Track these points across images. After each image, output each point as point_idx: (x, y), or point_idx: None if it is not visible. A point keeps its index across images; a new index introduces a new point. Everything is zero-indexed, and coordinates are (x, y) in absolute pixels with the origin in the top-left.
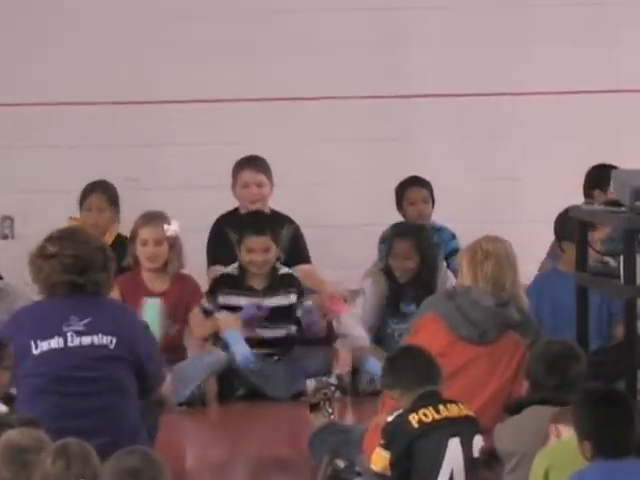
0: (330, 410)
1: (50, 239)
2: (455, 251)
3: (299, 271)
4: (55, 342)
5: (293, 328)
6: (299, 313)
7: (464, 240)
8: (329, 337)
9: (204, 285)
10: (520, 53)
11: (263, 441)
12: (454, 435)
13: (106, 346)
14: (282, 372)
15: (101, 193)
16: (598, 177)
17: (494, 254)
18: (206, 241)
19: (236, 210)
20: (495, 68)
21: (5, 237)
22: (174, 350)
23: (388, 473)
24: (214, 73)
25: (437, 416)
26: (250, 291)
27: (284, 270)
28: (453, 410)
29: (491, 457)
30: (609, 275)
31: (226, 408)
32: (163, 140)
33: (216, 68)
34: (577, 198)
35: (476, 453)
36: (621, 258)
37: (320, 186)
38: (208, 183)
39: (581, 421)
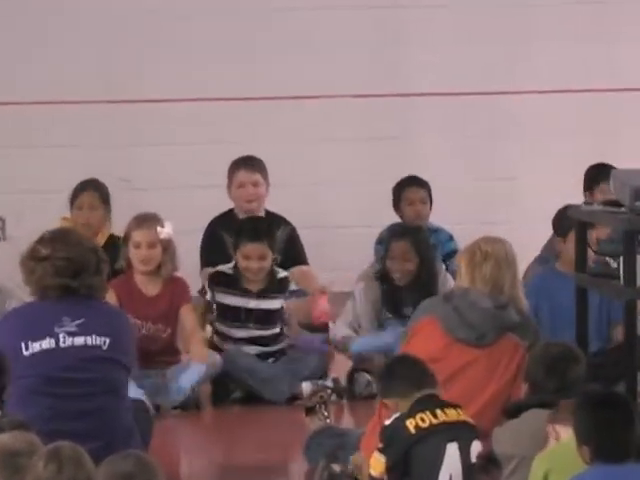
0: (326, 414)
1: (42, 241)
2: (453, 252)
3: (294, 271)
4: (46, 343)
5: (278, 330)
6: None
7: (463, 241)
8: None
9: (196, 287)
10: (520, 52)
11: (258, 445)
12: (452, 440)
13: (99, 347)
14: (277, 375)
15: (93, 191)
16: (594, 176)
17: (493, 255)
18: (200, 243)
19: (231, 211)
20: (495, 67)
21: None
22: (168, 353)
23: (385, 478)
24: (211, 72)
25: (435, 421)
26: (245, 292)
27: (282, 274)
28: (451, 415)
29: (489, 461)
30: (609, 276)
31: (221, 411)
32: (158, 140)
33: (214, 67)
34: (577, 198)
35: (474, 458)
36: (621, 259)
37: (319, 186)
38: (204, 183)
39: (580, 424)
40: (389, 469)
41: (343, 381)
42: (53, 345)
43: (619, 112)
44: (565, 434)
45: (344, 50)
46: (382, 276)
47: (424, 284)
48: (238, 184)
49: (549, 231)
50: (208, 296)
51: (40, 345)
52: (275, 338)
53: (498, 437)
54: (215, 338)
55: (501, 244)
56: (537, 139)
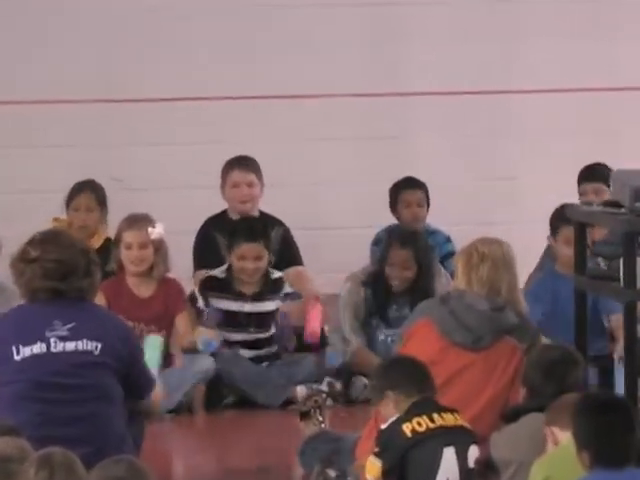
0: (321, 418)
1: (32, 242)
2: (450, 254)
3: (290, 272)
4: (37, 347)
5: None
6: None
7: (462, 242)
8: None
9: (189, 289)
10: (520, 50)
11: (252, 450)
12: (449, 444)
13: (91, 352)
14: (272, 379)
15: (90, 193)
16: (583, 178)
17: (490, 257)
18: (193, 244)
19: (224, 212)
20: (494, 66)
21: None
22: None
23: None
24: (209, 71)
25: (431, 425)
26: (239, 295)
27: (277, 275)
28: (448, 419)
29: (487, 467)
30: (608, 278)
31: (214, 416)
32: (155, 139)
33: (212, 66)
34: (577, 198)
35: (471, 463)
36: (620, 261)
37: (316, 186)
38: (201, 183)
39: (580, 429)
40: (385, 473)
41: (339, 385)
42: (44, 350)
43: (620, 111)
44: (563, 436)
45: (342, 49)
46: (376, 278)
47: (420, 290)
48: (232, 184)
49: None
50: (199, 303)
51: (31, 350)
52: (270, 340)
53: (496, 442)
54: None
55: (498, 245)
56: (537, 138)
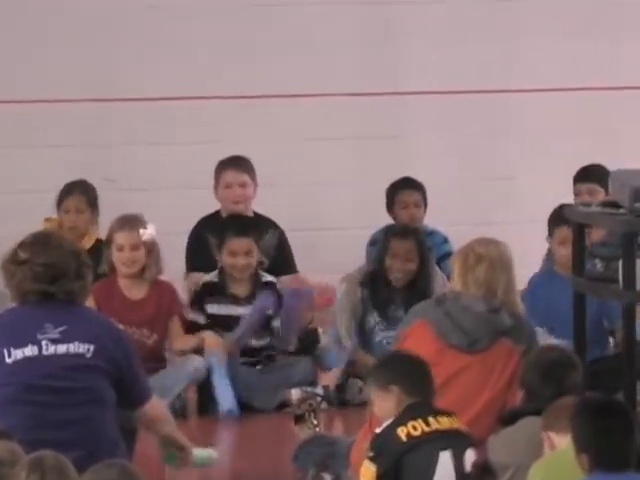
0: (315, 422)
1: (22, 245)
2: (448, 255)
3: (284, 280)
4: (29, 350)
5: (268, 339)
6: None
7: (459, 243)
8: (314, 345)
9: (182, 291)
10: (519, 50)
11: (245, 454)
12: (445, 448)
13: (82, 355)
14: (265, 382)
15: (80, 194)
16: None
17: (487, 258)
18: (186, 245)
19: (217, 213)
20: (493, 65)
21: None
22: (153, 360)
23: None
24: (205, 70)
25: (427, 429)
26: (233, 299)
27: (267, 278)
28: (444, 422)
29: (484, 470)
30: (607, 279)
31: (207, 420)
32: (150, 139)
33: (209, 65)
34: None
35: (468, 467)
36: (619, 262)
37: (313, 187)
38: (195, 183)
39: (579, 432)
40: (380, 478)
41: (333, 388)
42: (36, 352)
43: (619, 111)
44: (560, 441)
45: (340, 49)
46: (374, 277)
47: (420, 287)
48: (225, 184)
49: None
50: (191, 316)
51: (22, 352)
52: (265, 348)
53: (493, 445)
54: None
55: (495, 246)
56: (535, 138)
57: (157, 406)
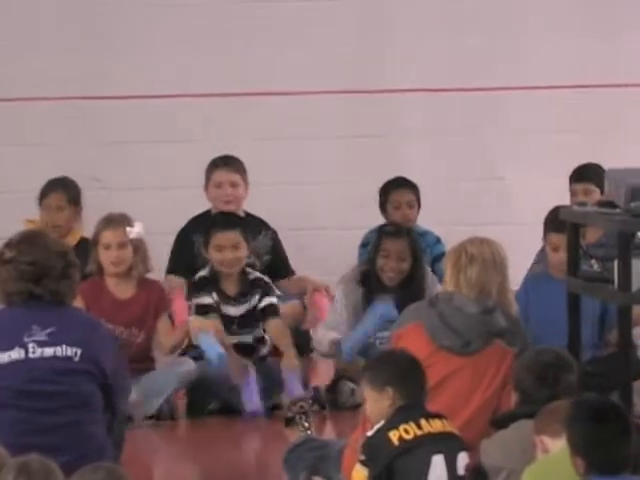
0: (306, 425)
1: (9, 244)
2: (441, 256)
3: (283, 283)
4: (16, 353)
5: (262, 332)
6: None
7: (451, 243)
8: (305, 347)
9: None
10: (509, 46)
11: (235, 458)
12: (437, 452)
13: (70, 358)
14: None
15: (60, 191)
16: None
17: (479, 258)
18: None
19: (207, 213)
20: (483, 62)
21: None
22: (142, 360)
23: None
24: (186, 67)
25: (419, 432)
26: (224, 297)
27: (254, 275)
28: (436, 425)
29: (477, 474)
30: (602, 280)
31: (197, 422)
32: (132, 138)
33: (194, 62)
34: (567, 198)
35: (461, 471)
36: (615, 263)
37: (295, 186)
38: (181, 183)
39: (574, 435)
40: None
41: (324, 391)
42: (22, 356)
43: (611, 109)
44: (553, 445)
45: (327, 45)
46: (367, 277)
47: (413, 288)
48: (215, 184)
49: (540, 233)
50: (194, 300)
51: (9, 356)
52: (257, 344)
53: (486, 449)
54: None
55: (488, 246)
56: (527, 137)
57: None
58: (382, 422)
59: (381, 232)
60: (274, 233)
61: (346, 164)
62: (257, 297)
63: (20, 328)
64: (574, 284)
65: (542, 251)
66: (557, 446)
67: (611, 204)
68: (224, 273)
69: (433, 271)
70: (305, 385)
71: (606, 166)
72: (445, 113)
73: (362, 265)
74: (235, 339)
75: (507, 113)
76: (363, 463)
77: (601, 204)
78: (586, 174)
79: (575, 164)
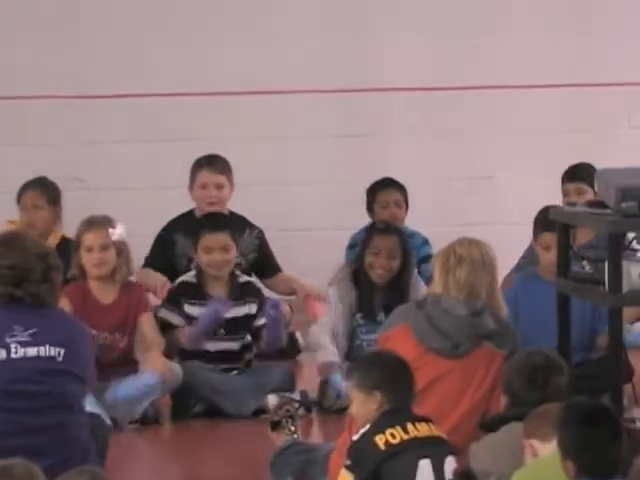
0: (293, 428)
1: None
2: (428, 257)
3: (272, 282)
4: None
5: (249, 338)
6: (266, 310)
7: (438, 244)
8: (292, 350)
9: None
10: (496, 45)
11: (221, 462)
12: (424, 457)
13: (53, 358)
14: (241, 388)
15: (38, 190)
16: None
17: (468, 259)
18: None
19: (190, 213)
20: (472, 60)
21: None
22: (125, 363)
23: None
24: (170, 67)
25: (405, 436)
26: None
27: (244, 278)
28: (423, 429)
29: (466, 478)
30: (592, 281)
31: (181, 426)
32: (115, 137)
33: (175, 61)
34: (558, 198)
35: (448, 475)
36: (605, 264)
37: (282, 186)
38: (165, 184)
39: (565, 438)
40: None
41: (312, 393)
42: (4, 356)
43: (600, 109)
44: (544, 450)
45: (316, 44)
46: (356, 276)
47: (402, 288)
48: (200, 185)
49: (530, 233)
50: (162, 313)
51: None
52: (243, 351)
53: (475, 452)
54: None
55: (477, 246)
56: (517, 136)
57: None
58: (368, 426)
59: (371, 229)
60: (260, 232)
61: (331, 165)
62: (254, 307)
63: (1, 329)
64: (564, 285)
65: (530, 250)
66: (547, 450)
67: (601, 204)
68: (212, 275)
69: (420, 272)
70: (291, 389)
71: (596, 166)
72: (434, 113)
73: (351, 264)
74: (222, 345)
75: (497, 113)
76: (349, 468)
77: (591, 204)
78: (578, 174)
79: (565, 164)
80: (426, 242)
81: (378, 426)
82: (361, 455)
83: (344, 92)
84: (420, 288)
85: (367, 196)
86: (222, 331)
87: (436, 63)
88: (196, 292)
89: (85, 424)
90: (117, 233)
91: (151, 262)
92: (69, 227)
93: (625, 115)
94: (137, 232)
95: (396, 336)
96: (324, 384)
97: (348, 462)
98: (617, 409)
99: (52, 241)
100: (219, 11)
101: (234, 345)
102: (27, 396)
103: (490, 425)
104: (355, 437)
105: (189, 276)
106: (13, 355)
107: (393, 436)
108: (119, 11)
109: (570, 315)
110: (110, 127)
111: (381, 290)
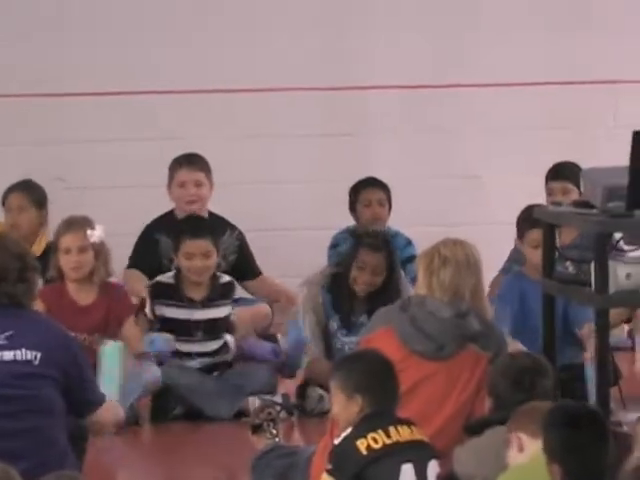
0: (274, 432)
1: None
2: (411, 258)
3: (250, 284)
4: None
5: (228, 338)
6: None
7: (421, 245)
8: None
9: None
10: (480, 42)
11: (201, 465)
12: (407, 461)
13: (30, 362)
14: (222, 390)
15: (22, 192)
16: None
17: (453, 260)
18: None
19: (171, 213)
20: (458, 58)
21: None
22: None
23: None
24: (152, 64)
25: (387, 441)
26: (189, 302)
27: (225, 279)
28: (404, 433)
29: None
30: (577, 282)
31: (161, 428)
32: (97, 136)
33: (162, 58)
34: (544, 197)
35: (432, 479)
36: (592, 265)
37: (262, 185)
38: (145, 182)
39: (550, 441)
40: None
41: (293, 397)
42: None
43: (587, 106)
44: (530, 445)
45: (298, 41)
46: (337, 281)
47: (384, 299)
48: (179, 183)
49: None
50: (147, 309)
51: None
52: (221, 351)
53: (459, 456)
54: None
55: (462, 247)
56: (502, 134)
57: (107, 412)
58: (349, 429)
59: (360, 240)
60: (240, 233)
61: (315, 164)
62: (226, 307)
63: None
64: (550, 286)
65: (515, 250)
66: (535, 445)
67: (587, 204)
68: (192, 280)
69: (405, 273)
70: (272, 392)
71: (582, 165)
72: (419, 111)
73: (332, 267)
74: (198, 347)
75: (482, 110)
76: (330, 473)
77: (577, 204)
78: (562, 172)
79: (551, 162)
80: (409, 243)
81: (360, 430)
82: (343, 459)
83: (327, 90)
84: (409, 291)
85: (350, 196)
86: (200, 333)
87: (422, 61)
88: (173, 293)
89: (62, 427)
90: (96, 235)
91: (135, 262)
92: (51, 228)
93: (611, 113)
94: (120, 231)
95: (378, 338)
96: (302, 388)
97: (330, 466)
98: (604, 412)
99: (37, 248)
100: (201, 10)
101: (212, 345)
102: (4, 400)
103: (474, 428)
104: (337, 441)
105: (166, 277)
106: None
107: (375, 440)
108: (101, 7)
109: (554, 315)
110: (90, 126)
111: (363, 299)
